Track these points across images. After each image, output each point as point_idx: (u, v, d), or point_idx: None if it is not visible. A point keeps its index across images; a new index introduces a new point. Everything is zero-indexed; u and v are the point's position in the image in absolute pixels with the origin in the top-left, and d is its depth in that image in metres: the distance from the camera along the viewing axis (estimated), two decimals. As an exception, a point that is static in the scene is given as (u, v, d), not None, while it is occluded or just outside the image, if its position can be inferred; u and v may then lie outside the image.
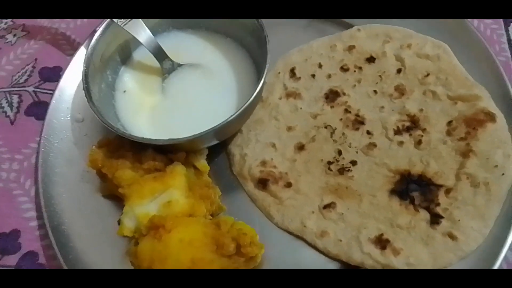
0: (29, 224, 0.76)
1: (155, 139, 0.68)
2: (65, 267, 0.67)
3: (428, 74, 0.79)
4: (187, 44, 0.84)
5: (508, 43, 0.85)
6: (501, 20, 0.88)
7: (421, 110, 0.76)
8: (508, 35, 0.86)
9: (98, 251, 0.69)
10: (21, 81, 0.90)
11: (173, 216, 0.65)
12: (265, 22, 0.75)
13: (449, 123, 0.74)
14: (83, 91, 0.71)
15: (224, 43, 0.83)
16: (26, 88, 0.89)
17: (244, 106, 0.69)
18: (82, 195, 0.74)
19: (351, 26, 0.87)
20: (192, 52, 0.83)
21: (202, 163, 0.74)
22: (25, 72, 0.91)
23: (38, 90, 0.89)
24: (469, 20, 0.86)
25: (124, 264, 0.67)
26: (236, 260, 0.63)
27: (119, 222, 0.69)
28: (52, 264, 0.72)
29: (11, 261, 0.72)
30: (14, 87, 0.89)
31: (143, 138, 0.68)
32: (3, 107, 0.87)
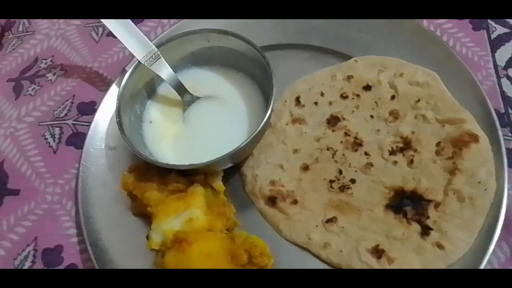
0: (70, 240, 0.83)
1: (178, 165, 0.77)
2: None
3: (419, 100, 0.85)
4: (204, 79, 0.93)
5: (494, 69, 0.91)
6: (488, 47, 0.94)
7: (413, 132, 0.82)
8: (494, 60, 0.92)
9: (130, 262, 0.77)
10: (61, 115, 0.99)
11: (194, 231, 0.72)
12: (272, 54, 0.83)
13: (438, 144, 0.80)
14: (116, 124, 0.81)
15: (236, 77, 0.92)
16: (66, 121, 0.98)
17: (255, 133, 0.77)
18: (116, 214, 0.82)
19: (349, 57, 0.94)
20: (209, 86, 0.92)
21: (218, 184, 0.82)
22: (65, 107, 1.00)
23: (76, 122, 0.98)
24: (457, 47, 0.93)
25: (152, 273, 0.76)
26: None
27: (147, 237, 0.76)
28: None
29: None
30: (56, 121, 0.99)
31: (167, 164, 0.77)
32: (46, 139, 0.96)
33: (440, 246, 0.71)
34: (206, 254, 0.70)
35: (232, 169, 0.86)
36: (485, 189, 0.74)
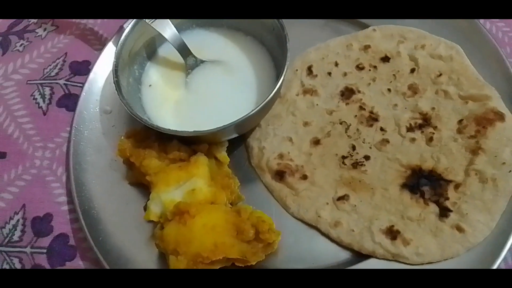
0: (61, 208, 0.79)
1: (181, 131, 0.72)
2: (94, 248, 0.70)
3: (440, 74, 0.81)
4: (210, 41, 0.87)
5: None
6: (513, 22, 0.90)
7: (433, 108, 0.79)
8: None
9: (126, 234, 0.73)
10: (52, 74, 0.93)
11: (197, 203, 0.68)
12: (283, 21, 0.77)
13: (460, 121, 0.76)
14: (113, 85, 0.75)
15: (244, 41, 0.86)
16: (57, 81, 0.92)
17: (264, 102, 0.72)
18: (110, 182, 0.78)
19: (367, 26, 0.89)
20: (214, 49, 0.86)
21: (223, 154, 0.77)
22: (56, 65, 0.94)
23: (69, 83, 0.92)
24: (481, 22, 0.88)
25: (149, 246, 0.71)
26: (255, 246, 0.67)
27: (145, 208, 0.73)
28: (82, 246, 0.76)
29: (44, 242, 0.76)
30: (46, 80, 0.92)
31: (169, 129, 0.72)
32: (36, 99, 0.90)
33: (459, 229, 0.68)
34: (210, 227, 0.66)
35: (237, 140, 0.81)
36: (510, 171, 0.70)
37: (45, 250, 0.76)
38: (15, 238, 0.77)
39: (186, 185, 0.71)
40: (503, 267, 0.70)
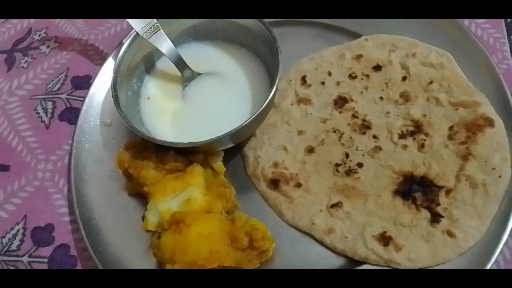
0: (62, 219, 0.81)
1: (177, 142, 0.74)
2: (94, 258, 0.72)
3: (431, 82, 0.82)
4: (206, 54, 0.89)
5: (510, 51, 0.87)
6: (504, 29, 0.91)
7: (425, 115, 0.79)
8: (510, 43, 0.89)
9: (125, 244, 0.74)
10: (54, 89, 0.96)
11: (193, 212, 0.70)
12: (277, 31, 0.79)
13: (451, 128, 0.77)
14: (112, 98, 0.77)
15: (239, 53, 0.88)
16: (60, 96, 0.95)
17: (258, 112, 0.73)
18: (110, 193, 0.79)
19: (359, 35, 0.91)
20: (210, 61, 0.88)
21: (218, 164, 0.79)
22: (58, 80, 0.97)
23: (70, 97, 0.94)
24: (472, 29, 0.89)
25: (147, 255, 0.72)
26: (249, 253, 0.68)
27: (143, 218, 0.75)
28: (82, 256, 0.77)
29: (45, 252, 0.78)
30: (49, 95, 0.95)
31: (165, 141, 0.74)
32: (39, 113, 0.93)
33: (450, 234, 0.68)
34: (205, 236, 0.67)
35: (233, 150, 0.83)
36: (500, 176, 0.71)
37: (46, 260, 0.77)
38: (13, 247, 0.79)
39: (182, 194, 0.72)
40: (495, 271, 0.71)
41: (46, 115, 0.93)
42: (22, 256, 0.78)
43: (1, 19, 1.09)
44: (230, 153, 0.82)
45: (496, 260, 0.66)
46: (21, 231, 0.80)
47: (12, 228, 0.81)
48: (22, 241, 0.79)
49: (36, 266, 0.77)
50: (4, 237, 0.80)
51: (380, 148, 0.79)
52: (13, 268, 0.77)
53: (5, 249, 0.79)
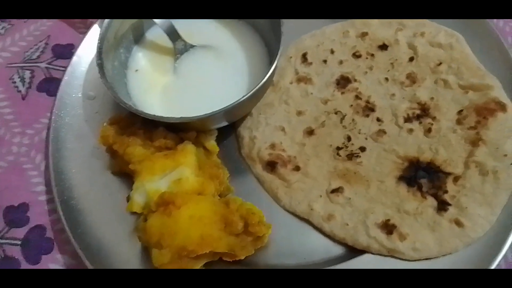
0: (38, 198, 0.76)
1: (167, 117, 0.68)
2: (73, 241, 0.67)
3: (440, 63, 0.78)
4: (200, 25, 0.83)
5: None
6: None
7: (432, 98, 0.76)
8: None
9: (107, 226, 0.70)
10: (33, 57, 0.90)
11: (183, 193, 0.65)
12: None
13: (460, 112, 0.73)
14: (97, 68, 0.71)
15: (236, 25, 0.83)
16: (39, 64, 0.89)
17: (255, 89, 0.69)
18: (91, 171, 0.74)
19: (364, 13, 0.86)
20: (205, 33, 0.83)
21: (211, 143, 0.74)
22: (38, 48, 0.91)
23: (51, 66, 0.89)
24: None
25: (132, 239, 0.68)
26: (244, 239, 0.64)
27: (127, 199, 0.70)
28: (60, 238, 0.72)
29: (18, 233, 0.73)
30: (27, 63, 0.89)
31: (155, 115, 0.68)
32: (15, 82, 0.87)
33: (458, 223, 0.65)
34: (196, 219, 0.63)
35: (227, 129, 0.78)
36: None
37: (19, 242, 0.72)
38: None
39: (172, 174, 0.67)
40: (503, 263, 0.68)
41: (23, 85, 0.87)
42: (-5, 237, 0.73)
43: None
44: (224, 132, 0.78)
45: (505, 254, 0.63)
46: (-9, 210, 0.74)
47: (-18, 207, 0.75)
48: (-9, 221, 0.74)
49: (8, 249, 0.71)
50: (-27, 216, 0.74)
51: (384, 132, 0.75)
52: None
53: (-26, 229, 0.73)
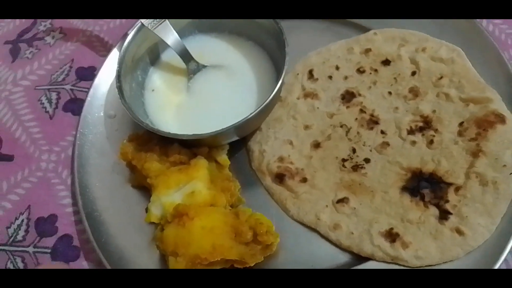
0: (65, 210, 0.80)
1: (181, 134, 0.73)
2: (97, 249, 0.71)
3: (441, 77, 0.80)
4: (211, 46, 0.88)
5: None
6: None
7: (434, 111, 0.78)
8: None
9: (127, 235, 0.74)
10: (59, 79, 0.95)
11: (196, 206, 0.69)
12: (285, 25, 0.78)
13: (461, 124, 0.75)
14: (116, 90, 0.76)
15: (246, 45, 0.87)
16: (64, 86, 0.94)
17: (263, 105, 0.72)
18: (113, 185, 0.79)
19: (368, 29, 0.89)
20: (216, 54, 0.87)
21: (223, 157, 0.78)
22: (63, 71, 0.96)
23: (75, 88, 0.94)
24: (483, 24, 0.87)
25: (150, 247, 0.72)
26: (253, 248, 0.67)
27: (146, 210, 0.74)
28: (85, 247, 0.77)
29: (48, 242, 0.77)
30: (53, 85, 0.94)
31: (169, 133, 0.73)
32: (43, 103, 0.92)
33: (459, 232, 0.67)
34: (208, 229, 0.66)
35: (238, 144, 0.82)
36: (511, 174, 0.69)
37: (49, 250, 0.77)
38: (19, 237, 0.79)
39: (186, 187, 0.71)
40: (504, 267, 0.69)
41: (50, 105, 0.92)
42: (28, 246, 0.78)
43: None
44: (235, 147, 0.81)
45: (505, 259, 0.65)
46: (25, 221, 0.80)
47: (16, 219, 0.81)
48: (27, 231, 0.79)
49: (40, 257, 0.77)
50: (9, 227, 0.80)
51: (388, 144, 0.77)
52: (20, 258, 0.77)
53: (11, 239, 0.79)
